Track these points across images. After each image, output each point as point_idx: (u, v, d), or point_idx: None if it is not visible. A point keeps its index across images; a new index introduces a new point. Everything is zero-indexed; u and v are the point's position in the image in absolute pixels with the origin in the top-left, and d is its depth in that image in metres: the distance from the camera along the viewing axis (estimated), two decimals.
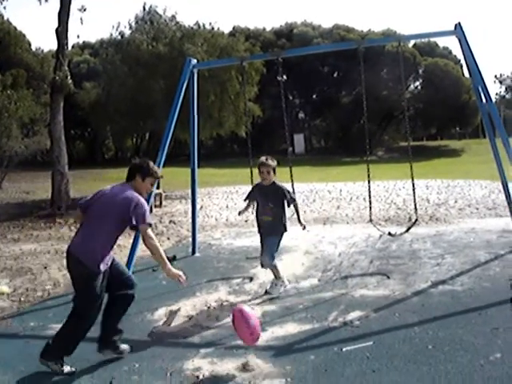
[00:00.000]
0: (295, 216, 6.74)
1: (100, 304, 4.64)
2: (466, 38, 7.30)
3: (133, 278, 4.93)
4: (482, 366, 4.24)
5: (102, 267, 4.54)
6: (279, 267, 6.71)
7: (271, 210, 6.59)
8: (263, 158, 6.63)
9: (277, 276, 6.69)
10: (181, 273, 4.68)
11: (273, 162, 6.61)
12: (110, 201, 4.66)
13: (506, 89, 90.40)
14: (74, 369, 4.53)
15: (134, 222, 4.52)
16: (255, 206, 6.94)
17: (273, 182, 6.65)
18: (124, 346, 4.85)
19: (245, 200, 7.17)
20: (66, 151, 16.22)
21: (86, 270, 4.47)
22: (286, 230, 6.68)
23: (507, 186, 8.47)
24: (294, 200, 6.70)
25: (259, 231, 6.88)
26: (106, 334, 4.75)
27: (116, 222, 4.61)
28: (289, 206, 6.69)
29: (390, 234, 8.14)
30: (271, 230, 6.63)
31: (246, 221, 12.91)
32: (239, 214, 7.25)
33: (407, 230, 7.79)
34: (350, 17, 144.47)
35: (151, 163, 4.95)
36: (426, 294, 6.38)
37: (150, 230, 4.59)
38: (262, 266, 6.73)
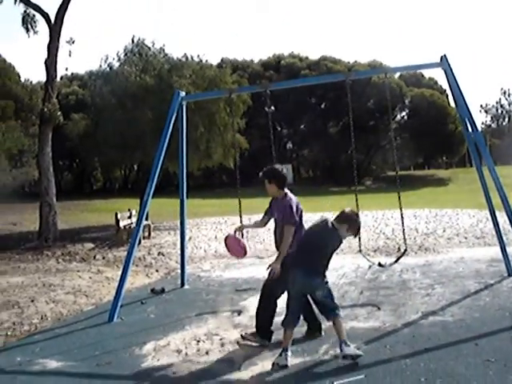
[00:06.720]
0: None
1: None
2: (451, 69, 7.39)
3: None
4: None
5: None
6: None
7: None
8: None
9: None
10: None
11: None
12: None
13: (492, 118, 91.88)
14: None
15: None
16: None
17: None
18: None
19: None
20: (54, 182, 16.19)
21: None
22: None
23: (495, 214, 8.52)
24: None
25: None
26: None
27: None
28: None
29: (379, 264, 8.11)
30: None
31: None
32: None
33: (397, 261, 7.75)
34: (336, 48, 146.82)
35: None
36: (417, 325, 6.34)
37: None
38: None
